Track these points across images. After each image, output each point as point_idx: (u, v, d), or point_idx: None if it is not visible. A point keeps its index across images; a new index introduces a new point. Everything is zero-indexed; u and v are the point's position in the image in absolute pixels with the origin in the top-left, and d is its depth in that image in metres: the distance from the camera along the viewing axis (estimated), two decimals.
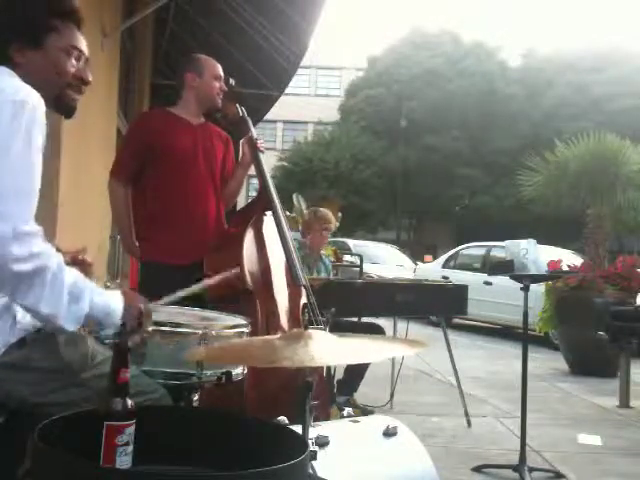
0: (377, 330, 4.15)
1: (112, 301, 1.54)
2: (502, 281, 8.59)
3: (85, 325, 1.50)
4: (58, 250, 1.49)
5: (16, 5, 1.60)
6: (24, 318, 1.54)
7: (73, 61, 1.64)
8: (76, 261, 1.78)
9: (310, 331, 1.45)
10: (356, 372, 4.26)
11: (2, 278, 1.36)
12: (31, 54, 1.58)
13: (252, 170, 3.30)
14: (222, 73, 3.21)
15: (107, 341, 1.76)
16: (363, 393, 4.73)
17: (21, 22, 1.59)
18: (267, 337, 1.58)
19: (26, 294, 1.39)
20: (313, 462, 1.59)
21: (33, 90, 1.45)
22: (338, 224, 4.86)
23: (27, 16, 1.59)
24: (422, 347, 1.47)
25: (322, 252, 4.84)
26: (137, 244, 3.20)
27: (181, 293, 1.93)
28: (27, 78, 1.51)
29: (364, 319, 5.04)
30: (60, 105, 1.65)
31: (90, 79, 1.68)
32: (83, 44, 1.67)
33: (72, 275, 1.46)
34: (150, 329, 1.67)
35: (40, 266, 1.38)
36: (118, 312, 1.54)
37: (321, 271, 4.63)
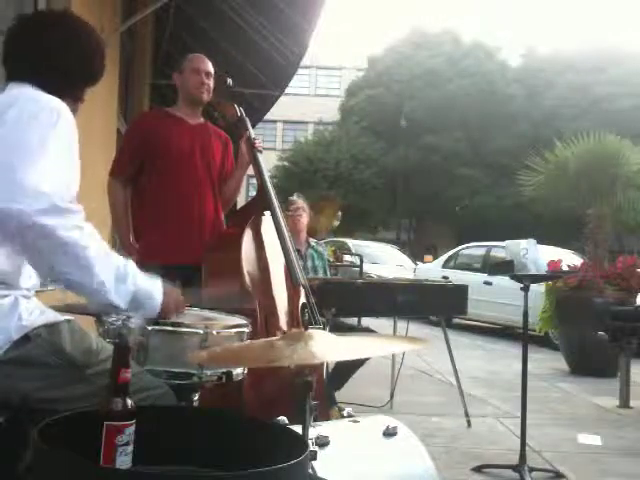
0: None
1: (153, 286, 1.65)
2: (502, 281, 8.60)
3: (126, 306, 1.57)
4: None
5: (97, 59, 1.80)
6: (29, 316, 1.57)
7: None
8: None
9: (310, 331, 1.45)
10: (345, 371, 4.18)
11: (49, 247, 1.44)
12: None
13: (251, 170, 3.30)
14: (206, 67, 3.18)
15: (108, 341, 1.77)
16: (363, 393, 4.74)
17: (99, 70, 1.82)
18: (267, 339, 1.58)
19: (72, 266, 1.47)
20: (313, 462, 1.59)
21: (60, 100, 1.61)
22: (337, 224, 4.86)
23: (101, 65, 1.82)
24: (421, 344, 1.47)
25: (313, 241, 4.82)
26: (136, 244, 3.19)
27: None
28: None
29: (364, 319, 5.03)
30: None
31: None
32: None
33: (116, 255, 1.57)
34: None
35: (85, 239, 1.47)
36: (159, 296, 1.64)
37: (315, 259, 4.61)
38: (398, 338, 1.74)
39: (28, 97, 1.57)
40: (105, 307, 1.57)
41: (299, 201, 4.75)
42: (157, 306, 1.64)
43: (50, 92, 1.62)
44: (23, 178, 1.41)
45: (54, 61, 1.69)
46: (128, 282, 1.55)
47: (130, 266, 1.58)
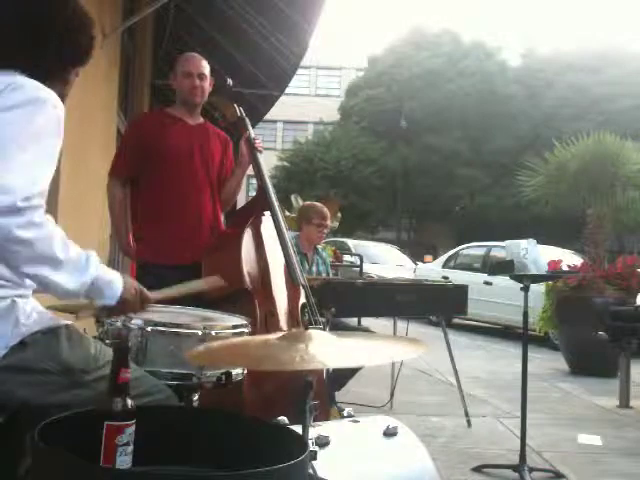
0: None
1: (113, 274, 1.56)
2: (502, 281, 8.60)
3: (86, 294, 1.51)
4: None
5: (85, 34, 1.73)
6: (27, 320, 1.54)
7: None
8: None
9: (310, 331, 1.45)
10: (346, 371, 4.14)
11: (6, 248, 1.37)
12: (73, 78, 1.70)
13: (251, 170, 3.29)
14: (198, 69, 3.14)
15: (108, 341, 1.76)
16: (363, 393, 4.74)
17: (86, 49, 1.71)
18: (267, 336, 1.57)
19: (32, 262, 1.40)
20: (313, 462, 1.59)
21: (51, 90, 1.51)
22: (337, 224, 4.84)
23: (89, 44, 1.74)
24: (422, 348, 1.46)
25: (320, 247, 4.81)
26: (134, 245, 3.19)
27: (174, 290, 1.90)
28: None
29: (364, 320, 5.02)
30: None
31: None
32: None
33: (75, 246, 1.49)
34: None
35: (44, 235, 1.40)
36: (119, 284, 1.55)
37: (319, 265, 4.60)
38: (398, 340, 1.71)
39: (17, 85, 1.47)
40: (64, 294, 1.49)
41: (329, 214, 4.69)
42: (117, 295, 1.55)
43: (37, 76, 1.52)
44: None
45: (38, 39, 1.57)
46: (89, 270, 1.48)
47: (89, 254, 1.51)
